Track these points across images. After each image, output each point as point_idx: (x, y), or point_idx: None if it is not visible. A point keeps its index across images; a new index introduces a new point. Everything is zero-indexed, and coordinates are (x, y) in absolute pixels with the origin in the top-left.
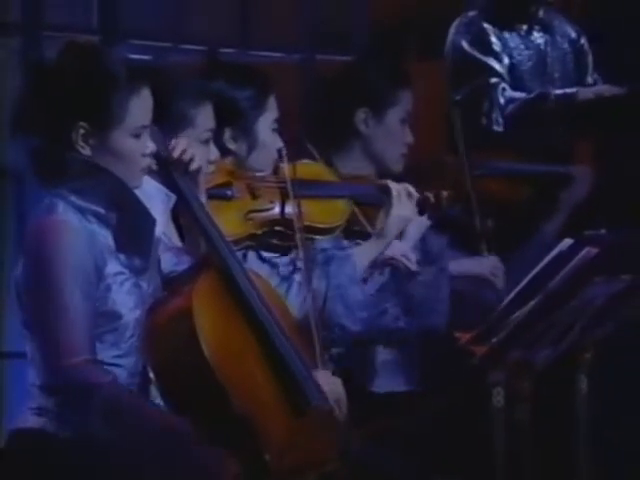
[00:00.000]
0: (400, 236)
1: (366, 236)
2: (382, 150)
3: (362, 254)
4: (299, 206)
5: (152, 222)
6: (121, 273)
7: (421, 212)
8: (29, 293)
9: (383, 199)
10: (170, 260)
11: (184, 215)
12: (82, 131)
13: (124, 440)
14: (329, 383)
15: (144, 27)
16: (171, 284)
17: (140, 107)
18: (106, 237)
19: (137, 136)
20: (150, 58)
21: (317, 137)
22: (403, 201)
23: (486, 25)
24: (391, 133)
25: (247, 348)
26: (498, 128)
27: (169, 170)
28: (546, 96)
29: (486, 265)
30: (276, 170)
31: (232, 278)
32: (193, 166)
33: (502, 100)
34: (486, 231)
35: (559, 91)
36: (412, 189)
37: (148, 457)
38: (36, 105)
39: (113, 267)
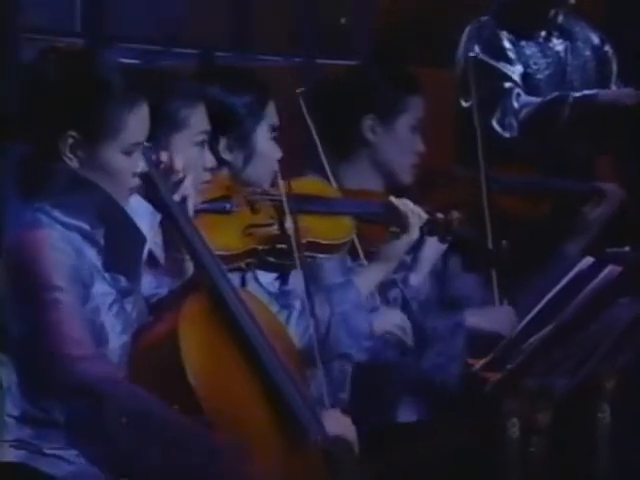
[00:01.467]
0: (415, 262)
1: (372, 256)
2: (391, 160)
3: (366, 278)
4: (295, 222)
5: (142, 240)
6: (109, 294)
7: (430, 234)
8: (16, 309)
9: (390, 218)
10: (149, 283)
11: (169, 233)
12: (71, 140)
13: (155, 457)
14: (339, 424)
15: (133, 29)
16: (157, 307)
17: (137, 122)
18: (92, 255)
19: (129, 153)
20: (139, 62)
21: (320, 147)
22: (412, 222)
23: (499, 31)
24: (400, 141)
25: (238, 376)
26: (512, 134)
27: (155, 184)
28: (564, 98)
29: (499, 320)
30: (277, 184)
31: (222, 300)
32: (185, 187)
33: (516, 105)
34: (500, 254)
35: (578, 94)
36: (420, 210)
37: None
38: (23, 110)
39: (100, 287)
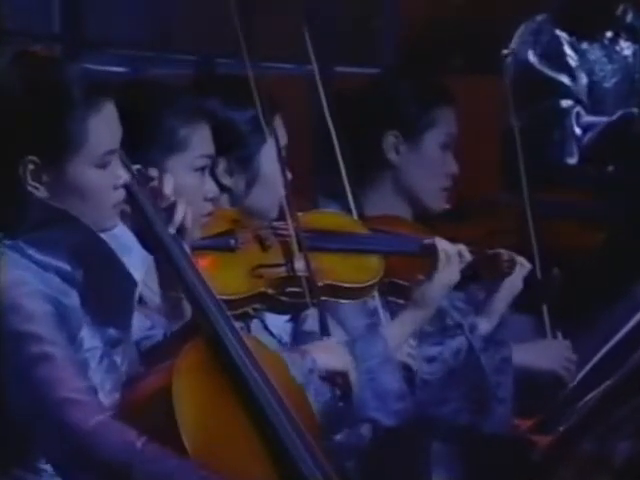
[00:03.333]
0: (485, 309)
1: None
2: (417, 183)
3: (396, 328)
4: (308, 262)
5: (132, 284)
6: (95, 347)
7: (474, 278)
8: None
9: (425, 256)
10: (142, 324)
11: (162, 269)
12: (31, 167)
13: None
14: (333, 353)
15: (120, 34)
16: (150, 356)
17: (102, 127)
18: (75, 299)
19: (102, 166)
20: (128, 70)
21: (335, 169)
22: (452, 264)
23: (559, 33)
24: (428, 162)
25: (240, 437)
26: (572, 160)
27: (144, 212)
28: (629, 116)
29: (555, 356)
30: (294, 217)
31: (224, 349)
32: (178, 215)
33: (578, 130)
34: (551, 286)
35: None
36: (464, 249)
37: None
38: None
39: (88, 336)
